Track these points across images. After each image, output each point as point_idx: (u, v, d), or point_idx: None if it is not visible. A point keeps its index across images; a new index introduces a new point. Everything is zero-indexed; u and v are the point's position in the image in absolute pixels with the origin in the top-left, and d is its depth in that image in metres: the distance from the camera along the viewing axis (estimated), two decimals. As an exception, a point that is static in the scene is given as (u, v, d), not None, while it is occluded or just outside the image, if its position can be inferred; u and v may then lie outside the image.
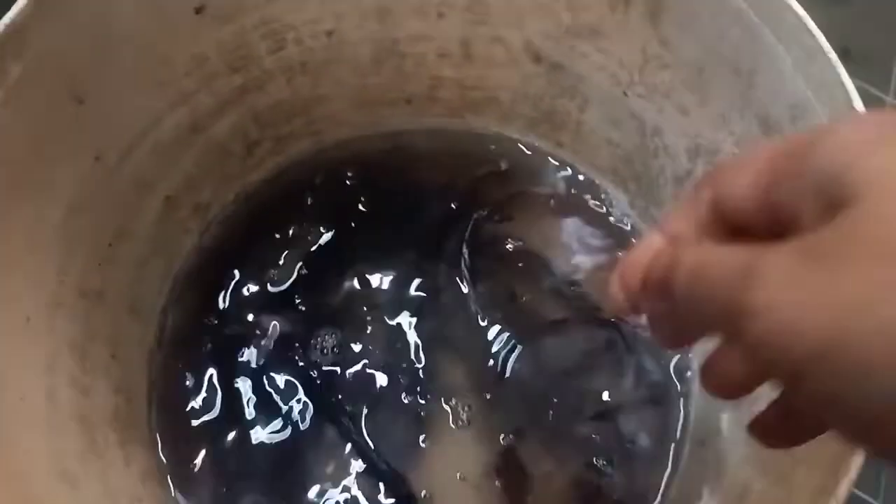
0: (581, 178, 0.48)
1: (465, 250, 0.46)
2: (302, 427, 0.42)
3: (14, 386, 0.30)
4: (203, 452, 0.42)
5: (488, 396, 0.42)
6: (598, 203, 0.47)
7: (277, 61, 0.42)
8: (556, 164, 0.49)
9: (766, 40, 0.32)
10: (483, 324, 0.44)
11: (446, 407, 0.42)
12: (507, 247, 0.46)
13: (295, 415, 0.43)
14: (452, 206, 0.47)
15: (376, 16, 0.42)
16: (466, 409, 0.42)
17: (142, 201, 0.41)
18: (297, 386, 0.43)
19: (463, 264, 0.46)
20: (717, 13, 0.33)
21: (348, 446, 0.41)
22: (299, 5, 0.39)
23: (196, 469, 0.42)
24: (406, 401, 0.42)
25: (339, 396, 0.42)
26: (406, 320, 0.45)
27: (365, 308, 0.45)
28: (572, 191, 0.48)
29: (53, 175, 0.33)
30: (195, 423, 0.43)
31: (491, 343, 0.43)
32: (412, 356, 0.43)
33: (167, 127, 0.39)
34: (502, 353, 0.43)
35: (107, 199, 0.37)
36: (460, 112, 0.49)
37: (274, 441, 0.43)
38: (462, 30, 0.43)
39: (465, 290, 0.45)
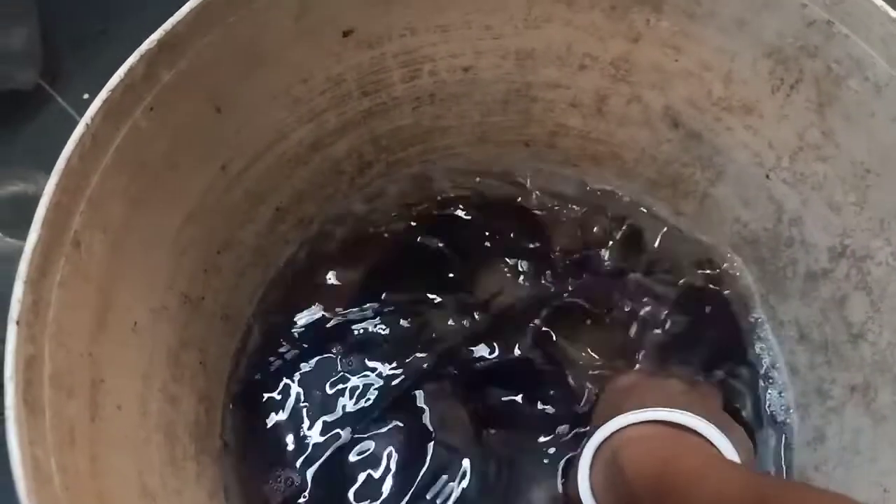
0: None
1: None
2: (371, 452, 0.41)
3: (115, 394, 0.30)
4: (271, 467, 0.41)
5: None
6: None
7: (408, 90, 0.41)
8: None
9: (953, 155, 0.29)
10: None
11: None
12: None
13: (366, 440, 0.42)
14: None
15: (516, 59, 0.40)
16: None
17: (253, 211, 0.40)
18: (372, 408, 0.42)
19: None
20: (899, 116, 0.31)
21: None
22: (443, 38, 0.38)
23: (262, 484, 0.41)
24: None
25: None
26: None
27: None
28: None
29: (182, 183, 0.33)
30: (268, 436, 0.42)
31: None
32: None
33: (292, 142, 0.39)
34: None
35: (223, 208, 0.37)
36: (578, 161, 0.47)
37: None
38: (601, 84, 0.41)
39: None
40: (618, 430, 0.32)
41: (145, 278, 0.32)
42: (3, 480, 0.23)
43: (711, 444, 0.31)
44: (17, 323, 0.24)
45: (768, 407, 0.42)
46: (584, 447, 0.34)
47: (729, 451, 0.31)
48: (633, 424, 0.32)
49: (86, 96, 0.56)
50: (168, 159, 0.32)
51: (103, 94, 0.27)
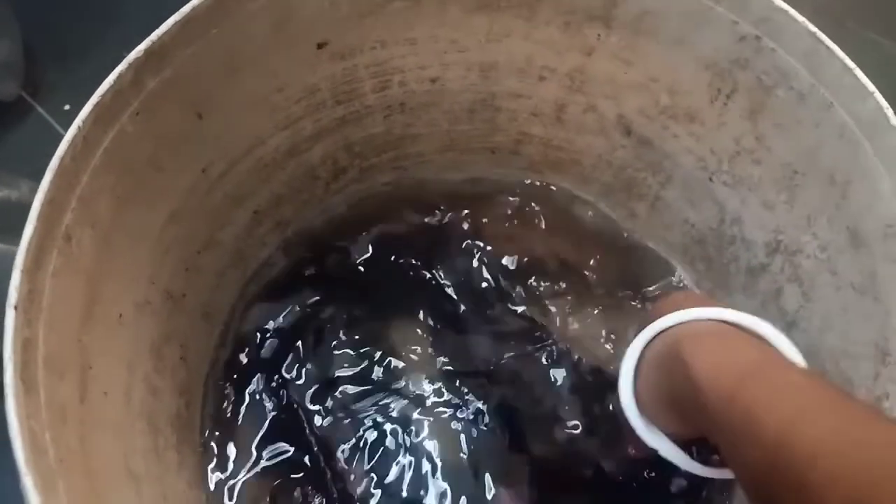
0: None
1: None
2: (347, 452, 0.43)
3: (102, 380, 0.31)
4: (246, 460, 0.43)
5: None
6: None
7: (380, 99, 0.44)
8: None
9: (867, 156, 0.33)
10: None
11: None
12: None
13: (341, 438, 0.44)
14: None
15: (480, 70, 0.43)
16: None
17: (232, 213, 0.42)
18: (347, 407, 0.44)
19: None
20: (820, 122, 0.34)
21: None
22: (412, 51, 0.41)
23: (239, 475, 0.43)
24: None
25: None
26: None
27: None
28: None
29: (165, 185, 0.35)
30: (242, 432, 0.44)
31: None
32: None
33: (269, 148, 0.41)
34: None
35: (203, 210, 0.39)
36: (540, 168, 0.50)
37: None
38: (559, 94, 0.44)
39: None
40: (675, 325, 0.29)
41: (131, 273, 0.34)
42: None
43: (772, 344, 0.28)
44: (16, 308, 0.26)
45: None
46: (630, 344, 0.30)
47: (792, 353, 0.28)
48: (695, 321, 0.28)
49: (67, 107, 0.58)
50: (152, 161, 0.34)
51: (94, 99, 0.29)
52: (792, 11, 0.33)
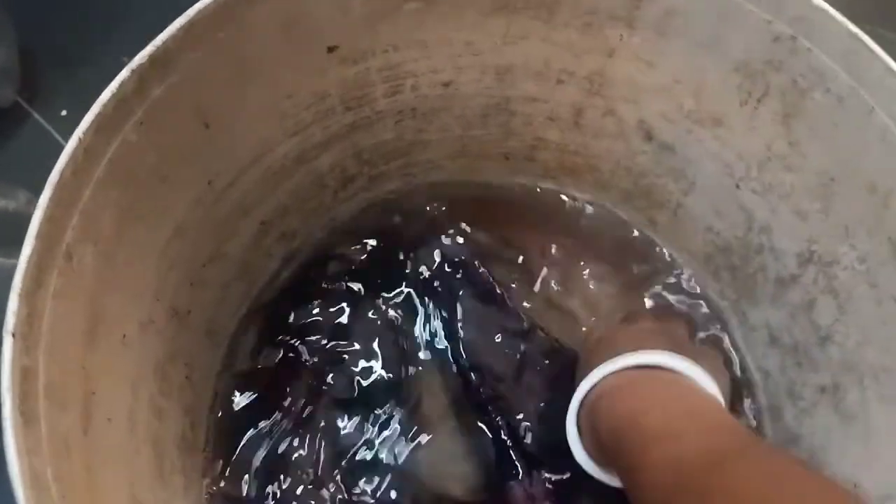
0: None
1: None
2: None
3: (105, 406, 0.30)
4: (252, 481, 0.41)
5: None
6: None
7: (391, 104, 0.42)
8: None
9: (911, 163, 0.31)
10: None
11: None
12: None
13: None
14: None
15: (495, 74, 0.41)
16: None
17: (238, 225, 0.40)
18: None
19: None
20: (860, 127, 0.33)
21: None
22: (424, 54, 0.39)
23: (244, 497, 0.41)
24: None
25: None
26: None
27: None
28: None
29: (170, 196, 0.33)
30: (247, 451, 0.42)
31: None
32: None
33: (278, 155, 0.39)
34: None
35: (209, 222, 0.37)
36: (556, 174, 0.49)
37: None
38: (577, 98, 0.43)
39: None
40: (598, 382, 0.34)
41: (134, 290, 0.33)
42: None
43: (686, 376, 0.32)
44: (13, 335, 0.24)
45: (742, 412, 0.44)
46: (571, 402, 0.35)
47: (703, 380, 0.32)
48: (610, 374, 0.33)
49: (64, 113, 0.56)
50: (157, 173, 0.32)
51: (95, 109, 0.28)
52: (831, 10, 0.31)
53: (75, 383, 0.28)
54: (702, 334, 0.45)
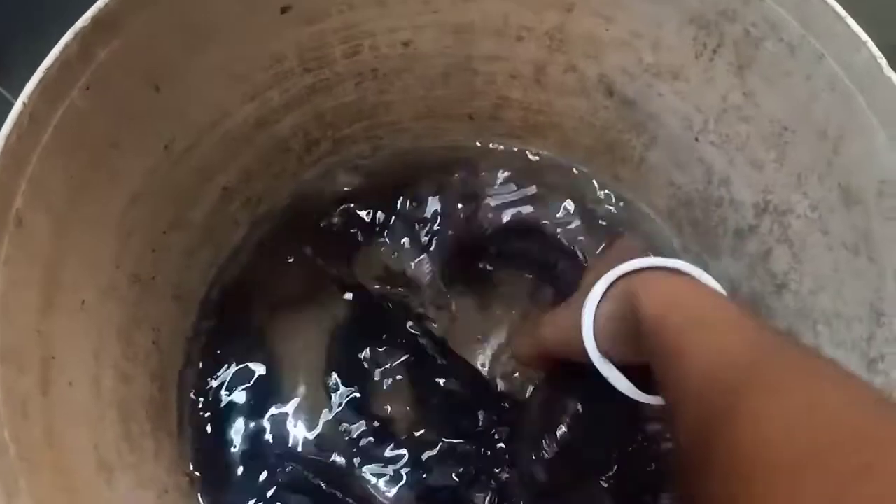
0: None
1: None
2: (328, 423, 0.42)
3: (66, 371, 0.30)
4: (227, 443, 0.42)
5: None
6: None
7: (350, 65, 0.42)
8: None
9: (860, 110, 0.31)
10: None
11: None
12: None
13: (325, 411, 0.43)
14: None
15: (454, 32, 0.41)
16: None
17: (200, 191, 0.40)
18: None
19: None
20: (811, 75, 0.33)
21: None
22: (382, 13, 0.39)
23: (218, 458, 0.42)
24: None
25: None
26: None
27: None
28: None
29: (124, 163, 0.33)
30: (221, 414, 0.43)
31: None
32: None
33: (236, 120, 0.39)
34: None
35: (168, 188, 0.37)
36: (520, 133, 0.49)
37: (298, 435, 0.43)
38: (538, 55, 0.42)
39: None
40: (623, 276, 0.32)
41: (92, 257, 0.33)
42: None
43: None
44: (-37, 300, 0.24)
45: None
46: (587, 291, 0.33)
47: (715, 285, 0.31)
48: (623, 276, 0.32)
49: (26, 84, 0.55)
50: (108, 138, 0.32)
51: (39, 73, 0.27)
52: (781, -42, 0.31)
53: (32, 348, 0.28)
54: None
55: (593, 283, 0.33)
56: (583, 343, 0.33)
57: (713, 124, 0.39)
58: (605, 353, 0.33)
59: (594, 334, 0.32)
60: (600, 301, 0.32)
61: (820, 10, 0.31)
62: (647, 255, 0.33)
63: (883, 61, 0.30)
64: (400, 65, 0.43)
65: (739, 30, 0.34)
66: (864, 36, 0.30)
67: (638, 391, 0.32)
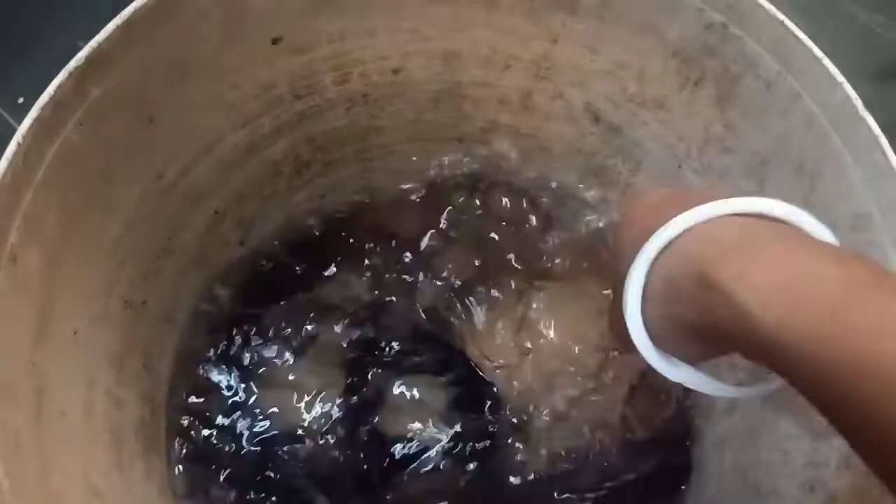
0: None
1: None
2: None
3: (57, 401, 0.31)
4: (217, 463, 0.43)
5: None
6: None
7: (341, 92, 0.42)
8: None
9: (835, 147, 0.32)
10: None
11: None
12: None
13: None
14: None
15: (443, 60, 0.42)
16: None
17: (191, 215, 0.41)
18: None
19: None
20: (788, 112, 0.34)
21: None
22: (371, 43, 0.40)
23: (208, 479, 0.43)
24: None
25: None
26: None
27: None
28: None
29: (117, 194, 0.34)
30: (207, 433, 0.43)
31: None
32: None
33: (227, 147, 0.40)
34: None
35: (160, 215, 0.38)
36: (508, 157, 0.49)
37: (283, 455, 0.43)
38: (525, 82, 0.43)
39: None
40: (679, 236, 0.23)
41: (84, 288, 0.33)
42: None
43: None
44: (-42, 338, 0.25)
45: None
46: (632, 267, 0.24)
47: (819, 230, 0.23)
48: (706, 223, 0.23)
49: (21, 101, 0.56)
50: (102, 171, 0.32)
51: (34, 113, 0.28)
52: (759, -2, 0.32)
53: (26, 380, 0.29)
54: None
55: (628, 267, 0.24)
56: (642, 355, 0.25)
57: (696, 153, 0.40)
58: (670, 352, 0.25)
59: (651, 341, 0.25)
60: (645, 290, 0.24)
61: (796, 49, 0.32)
62: (693, 198, 0.24)
63: (858, 102, 0.31)
64: (390, 91, 0.43)
65: (719, 65, 0.35)
66: (839, 77, 0.31)
67: (730, 387, 0.25)
